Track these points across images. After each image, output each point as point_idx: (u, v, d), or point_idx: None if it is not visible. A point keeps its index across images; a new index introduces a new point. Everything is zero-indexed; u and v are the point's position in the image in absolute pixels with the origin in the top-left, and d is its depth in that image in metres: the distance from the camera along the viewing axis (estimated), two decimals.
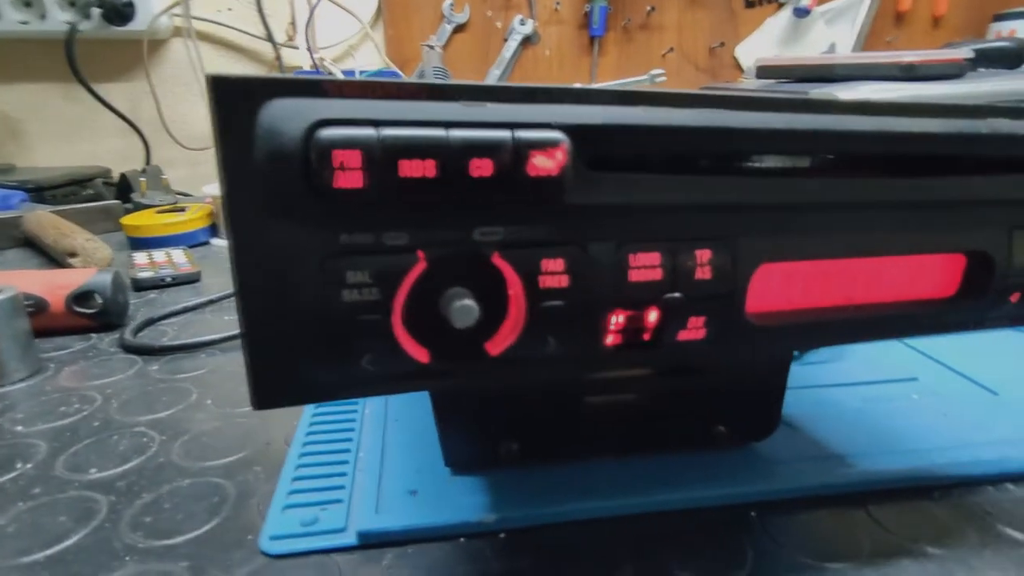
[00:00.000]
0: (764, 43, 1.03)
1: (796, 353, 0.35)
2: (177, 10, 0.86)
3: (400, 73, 0.88)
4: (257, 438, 0.27)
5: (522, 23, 0.95)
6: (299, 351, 0.13)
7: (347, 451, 0.25)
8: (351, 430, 0.26)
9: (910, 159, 0.17)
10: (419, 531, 0.20)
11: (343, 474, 0.23)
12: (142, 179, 0.73)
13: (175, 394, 0.31)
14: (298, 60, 0.91)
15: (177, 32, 0.90)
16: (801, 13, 0.98)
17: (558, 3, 0.96)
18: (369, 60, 0.95)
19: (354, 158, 0.12)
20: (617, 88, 0.14)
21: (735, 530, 0.21)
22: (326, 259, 0.13)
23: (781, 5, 1.01)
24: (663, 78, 0.96)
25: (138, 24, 0.86)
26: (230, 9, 0.92)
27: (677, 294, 0.15)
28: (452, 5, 0.93)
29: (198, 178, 0.87)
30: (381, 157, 0.12)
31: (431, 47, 0.86)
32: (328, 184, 0.12)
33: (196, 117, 0.91)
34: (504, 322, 0.14)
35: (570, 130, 0.13)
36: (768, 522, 0.22)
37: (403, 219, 0.13)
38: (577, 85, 0.14)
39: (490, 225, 0.14)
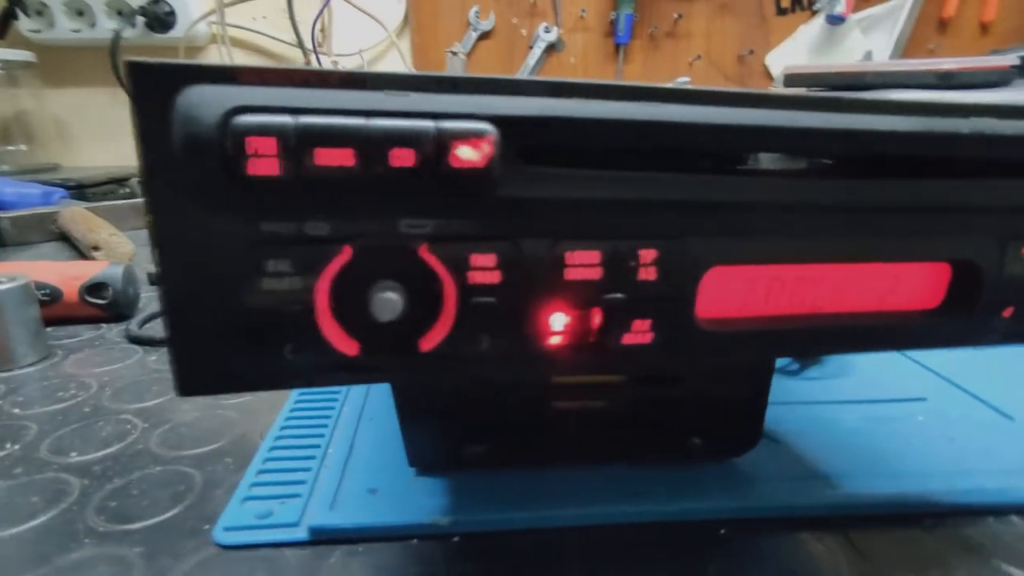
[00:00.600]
0: (796, 51, 1.00)
1: (795, 367, 0.34)
2: (215, 18, 0.90)
3: None
4: (234, 430, 0.27)
5: (547, 31, 0.95)
6: (221, 339, 0.13)
7: (316, 447, 0.25)
8: (324, 426, 0.26)
9: (881, 160, 0.16)
10: (371, 530, 0.20)
11: (307, 469, 0.23)
12: None
13: (166, 384, 0.32)
14: (327, 66, 0.93)
15: (214, 39, 0.93)
16: (835, 20, 0.95)
17: (584, 10, 0.95)
18: (395, 67, 0.96)
19: (269, 145, 0.12)
20: (551, 79, 0.13)
21: (699, 547, 0.20)
22: (245, 247, 0.13)
23: (815, 12, 0.98)
24: (689, 86, 0.95)
25: (178, 32, 0.90)
26: (264, 17, 0.95)
27: (618, 295, 0.15)
28: (478, 12, 0.94)
29: None
30: (296, 145, 0.12)
31: (454, 54, 0.87)
32: (243, 171, 0.12)
33: None
34: (435, 317, 0.14)
35: (499, 122, 0.13)
36: (737, 541, 0.21)
37: (326, 209, 0.13)
38: (509, 75, 0.13)
39: (417, 217, 0.13)
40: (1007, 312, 0.18)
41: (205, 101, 0.12)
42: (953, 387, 0.32)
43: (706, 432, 0.24)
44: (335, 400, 0.29)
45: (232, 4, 0.85)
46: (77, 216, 0.62)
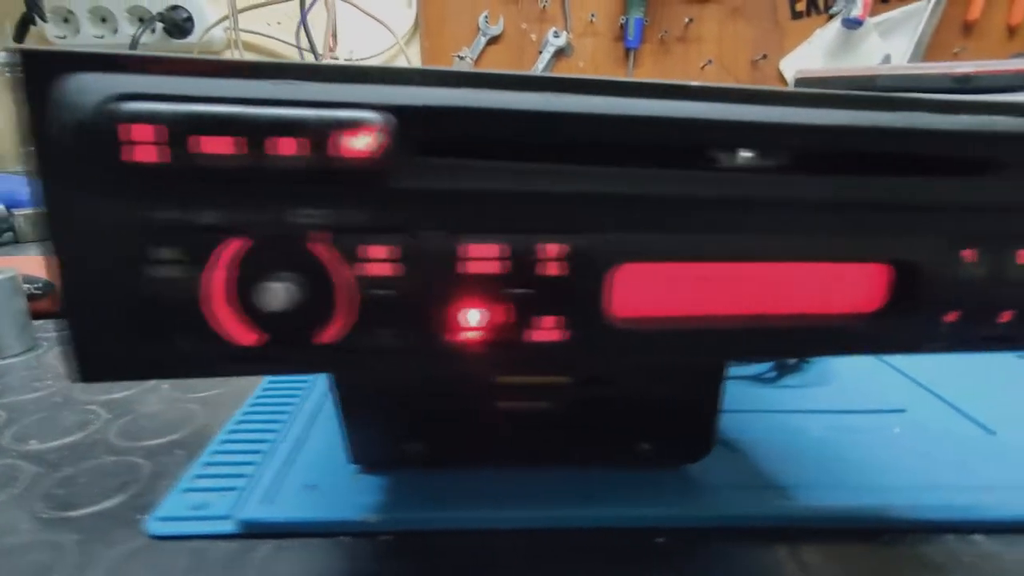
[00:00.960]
0: (811, 56, 0.98)
1: (772, 374, 0.33)
2: (229, 23, 0.92)
3: None
4: (194, 422, 0.27)
5: (556, 35, 0.95)
6: (115, 327, 0.13)
7: (267, 441, 0.25)
8: (280, 421, 0.26)
9: (806, 154, 0.15)
10: (301, 525, 0.20)
11: (251, 463, 0.23)
12: None
13: None
14: None
15: (230, 45, 0.95)
16: (852, 24, 0.93)
17: (593, 15, 0.95)
18: None
19: (148, 132, 0.12)
20: (446, 69, 0.13)
21: (634, 555, 0.20)
22: (133, 235, 0.13)
23: (831, 16, 0.96)
24: None
25: (195, 37, 0.92)
26: (279, 23, 0.97)
27: (522, 290, 0.14)
28: (487, 17, 0.95)
29: None
30: (175, 132, 0.12)
31: (462, 58, 0.87)
32: (123, 158, 0.12)
33: None
34: (331, 310, 0.14)
35: (392, 111, 0.13)
36: (675, 551, 0.20)
37: (214, 197, 0.13)
38: (404, 65, 0.13)
39: (308, 208, 0.13)
40: (950, 317, 0.17)
41: (88, 88, 0.12)
42: (936, 399, 0.30)
43: (655, 437, 0.23)
44: (297, 394, 0.29)
45: (244, 10, 0.87)
46: None
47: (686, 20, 0.96)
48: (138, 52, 0.12)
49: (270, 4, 0.88)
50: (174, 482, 0.22)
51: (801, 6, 0.97)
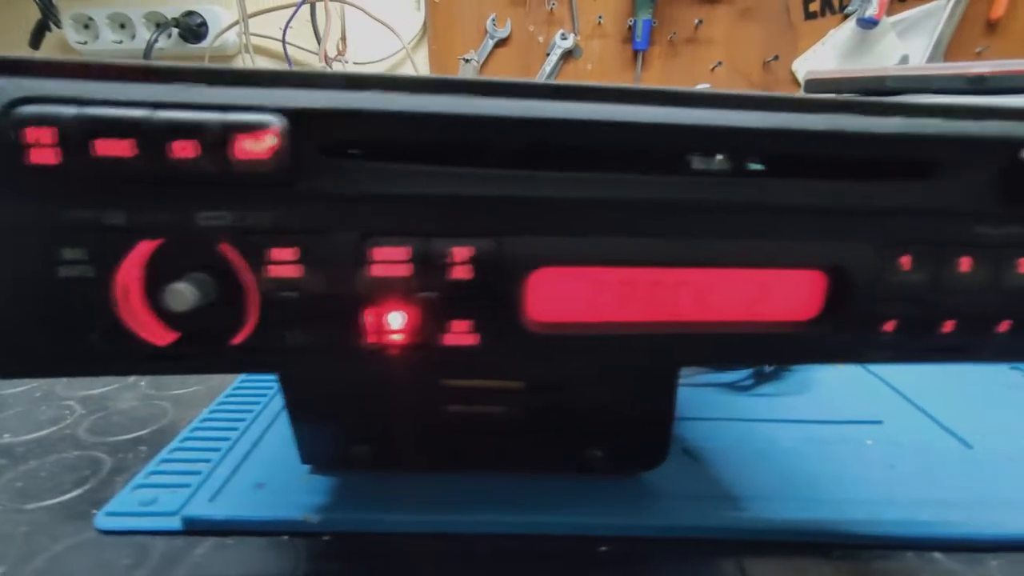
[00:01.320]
0: (826, 56, 0.96)
1: (749, 382, 0.32)
2: (242, 28, 0.94)
3: None
4: (163, 419, 0.28)
5: (563, 37, 0.95)
6: (29, 325, 0.14)
7: (226, 439, 0.25)
8: (243, 420, 0.27)
9: (730, 157, 0.15)
10: (242, 523, 0.20)
11: (207, 460, 0.24)
12: None
13: None
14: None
15: (241, 49, 0.97)
16: (867, 24, 0.90)
17: (601, 17, 0.95)
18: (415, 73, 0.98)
19: (47, 135, 0.12)
20: (349, 72, 0.13)
21: (574, 563, 0.19)
22: (42, 235, 0.13)
23: (846, 16, 0.94)
24: None
25: (208, 42, 0.94)
26: (291, 27, 0.99)
27: (430, 294, 0.14)
28: (495, 20, 0.95)
29: None
30: (74, 135, 0.12)
31: (467, 61, 0.87)
32: (24, 161, 0.12)
33: None
34: (242, 310, 0.14)
35: (290, 114, 0.13)
36: (616, 560, 0.20)
37: (120, 199, 0.13)
38: (309, 68, 0.13)
39: (213, 210, 0.13)
40: (888, 326, 0.16)
41: None
42: (916, 411, 0.29)
43: (607, 445, 0.23)
44: (264, 394, 0.29)
45: (254, 15, 0.89)
46: None
47: (696, 21, 0.94)
48: (41, 56, 0.13)
49: (280, 8, 0.89)
50: (130, 478, 0.23)
51: (815, 6, 0.95)
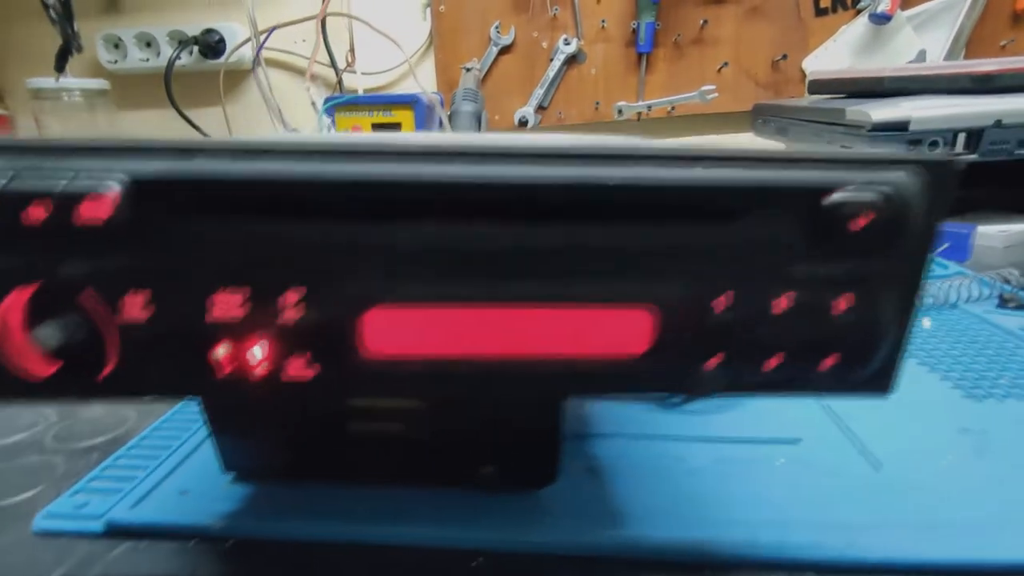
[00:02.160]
0: (838, 54, 0.93)
1: (679, 398, 0.33)
2: (255, 43, 0.98)
3: (442, 96, 0.92)
4: (124, 427, 0.31)
5: (567, 43, 0.95)
6: None
7: (170, 447, 0.28)
8: (189, 429, 0.29)
9: (537, 207, 0.16)
10: (156, 527, 0.23)
11: (145, 468, 0.26)
12: None
13: None
14: (355, 83, 0.99)
15: (255, 63, 1.01)
16: (880, 19, 0.88)
17: (604, 21, 0.95)
18: (424, 83, 1.00)
19: None
20: (184, 142, 0.15)
21: (448, 574, 0.21)
22: None
23: (859, 11, 0.91)
24: (714, 95, 0.92)
25: (225, 58, 0.99)
26: (304, 40, 1.03)
27: (266, 333, 0.16)
28: (498, 27, 0.96)
29: None
30: None
31: (468, 69, 0.89)
32: None
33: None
34: (103, 349, 0.16)
35: (128, 180, 0.15)
36: (487, 574, 0.21)
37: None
38: (146, 138, 0.15)
39: (73, 261, 0.15)
40: (711, 363, 0.17)
41: None
42: (839, 429, 0.29)
43: (499, 461, 0.24)
44: None
45: (264, 32, 0.93)
46: None
47: (701, 22, 0.93)
48: None
49: (290, 24, 0.93)
50: (75, 482, 0.26)
51: (826, 2, 0.93)
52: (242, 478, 0.25)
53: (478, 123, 0.82)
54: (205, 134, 1.01)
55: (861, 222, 0.15)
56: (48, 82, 0.87)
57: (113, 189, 0.15)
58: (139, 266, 0.16)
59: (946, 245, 0.56)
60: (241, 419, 0.24)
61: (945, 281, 0.46)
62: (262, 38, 0.94)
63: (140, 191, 0.15)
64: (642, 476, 0.26)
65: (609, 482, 0.26)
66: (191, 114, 1.01)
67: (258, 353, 0.16)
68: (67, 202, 0.14)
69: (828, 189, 0.15)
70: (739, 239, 0.16)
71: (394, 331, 0.17)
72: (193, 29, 0.99)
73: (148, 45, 1.01)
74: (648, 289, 0.17)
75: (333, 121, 0.74)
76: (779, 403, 0.32)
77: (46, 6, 0.66)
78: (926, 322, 0.42)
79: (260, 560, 0.22)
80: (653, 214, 0.16)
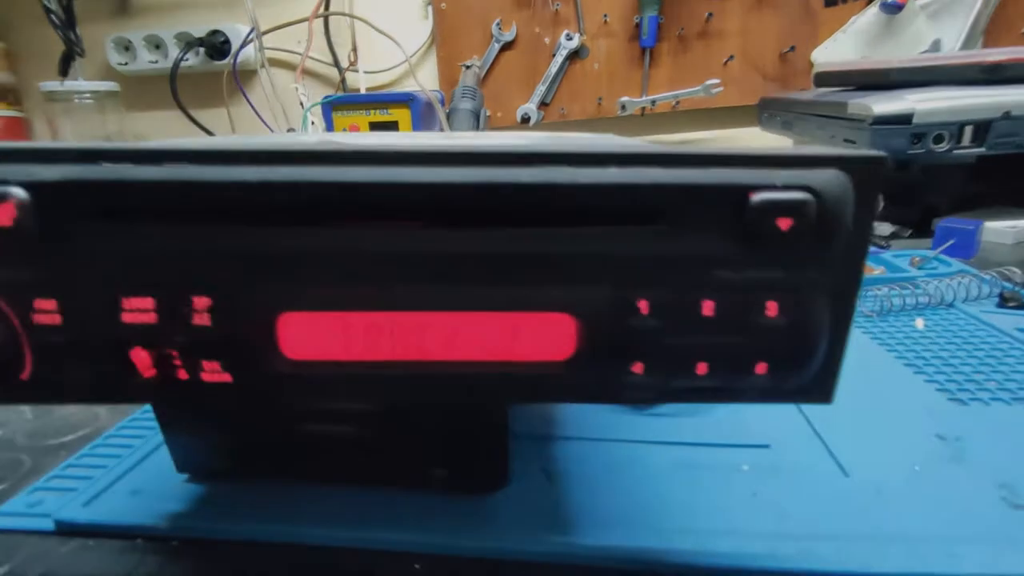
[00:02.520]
0: (848, 45, 0.91)
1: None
2: (267, 41, 0.99)
3: (441, 94, 0.92)
4: (94, 426, 0.31)
5: (569, 38, 0.94)
6: None
7: (128, 447, 0.28)
8: (152, 429, 0.29)
9: (449, 211, 0.15)
10: (104, 527, 0.23)
11: (103, 467, 0.26)
12: None
13: None
14: (358, 82, 1.00)
15: (268, 63, 1.02)
16: (891, 9, 0.85)
17: (606, 16, 0.93)
18: (426, 81, 1.00)
19: None
20: (83, 146, 0.15)
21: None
22: None
23: (870, 0, 0.89)
24: (719, 89, 0.90)
25: (229, 58, 1.00)
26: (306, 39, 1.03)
27: (178, 338, 0.16)
28: (500, 24, 0.96)
29: None
30: None
31: (467, 67, 0.89)
32: None
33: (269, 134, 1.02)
34: (21, 353, 0.16)
35: (30, 186, 0.15)
36: None
37: None
38: (46, 143, 0.15)
39: None
40: (636, 367, 0.16)
41: None
42: (811, 435, 0.28)
43: (449, 465, 0.24)
44: None
45: (267, 32, 0.93)
46: None
47: (706, 15, 0.92)
48: None
49: (292, 24, 0.93)
50: (37, 479, 0.26)
51: None
52: (195, 479, 0.25)
53: (476, 120, 0.82)
54: (211, 133, 1.02)
55: (784, 224, 0.15)
56: (59, 85, 0.89)
57: (13, 195, 0.15)
58: (48, 271, 0.16)
59: (951, 242, 0.54)
60: (189, 421, 0.24)
61: (944, 280, 0.44)
62: (263, 39, 0.95)
63: (42, 198, 0.15)
64: (601, 480, 0.25)
65: (565, 486, 0.25)
66: (198, 114, 1.02)
67: (172, 357, 0.16)
68: None
69: (750, 189, 0.15)
70: (662, 241, 0.15)
71: (309, 337, 0.17)
72: (200, 30, 1.00)
73: (157, 47, 1.03)
74: (568, 294, 0.16)
75: (331, 120, 0.75)
76: (752, 408, 0.31)
77: (48, 11, 0.67)
78: (919, 322, 0.40)
79: (205, 560, 0.22)
80: (567, 217, 0.15)
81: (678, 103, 0.94)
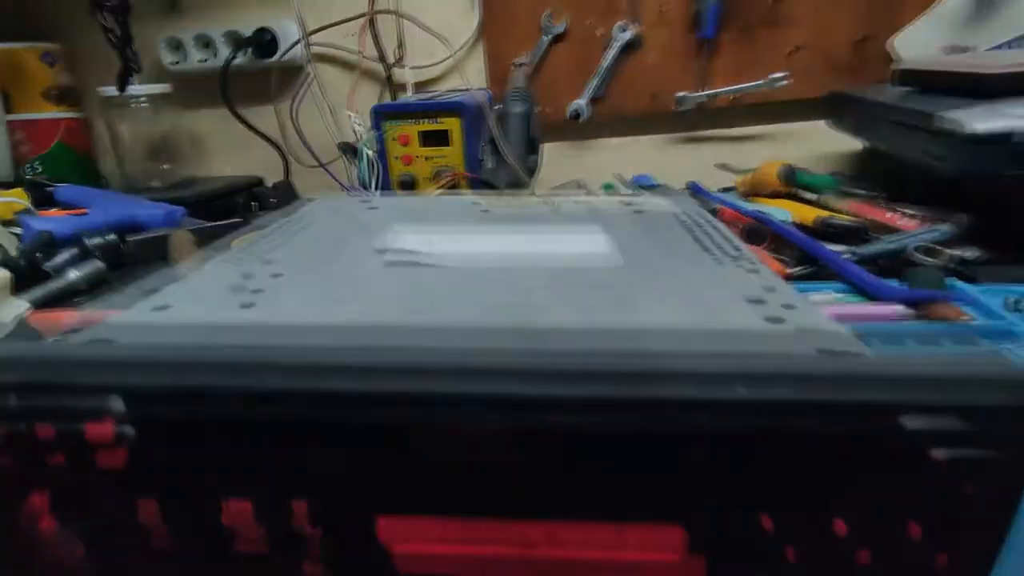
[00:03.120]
0: (933, 31, 0.83)
1: None
2: (314, 38, 0.98)
3: (490, 93, 0.89)
4: None
5: (622, 29, 0.90)
6: None
7: None
8: None
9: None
10: None
11: None
12: None
13: None
14: (404, 77, 0.98)
15: (310, 59, 1.01)
16: None
17: (663, 5, 0.88)
18: (473, 77, 0.97)
19: None
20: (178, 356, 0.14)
21: None
22: None
23: None
24: (784, 82, 0.85)
25: (277, 57, 1.00)
26: (353, 35, 1.01)
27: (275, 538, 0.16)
28: (550, 16, 0.91)
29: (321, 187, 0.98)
30: None
31: (518, 65, 0.86)
32: None
33: (318, 133, 1.00)
34: None
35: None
36: None
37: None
38: (140, 352, 0.15)
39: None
40: None
41: None
42: None
43: None
44: None
45: (314, 32, 0.92)
46: (174, 239, 0.73)
47: (771, 1, 0.85)
48: None
49: (337, 24, 0.92)
50: None
51: None
52: None
53: (528, 124, 0.79)
54: (260, 132, 1.03)
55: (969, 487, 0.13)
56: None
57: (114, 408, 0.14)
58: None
59: None
60: None
61: None
62: (310, 37, 0.94)
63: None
64: None
65: None
66: (247, 112, 1.03)
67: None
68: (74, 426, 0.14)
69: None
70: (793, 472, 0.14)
71: (413, 536, 0.16)
72: (248, 28, 0.99)
73: (206, 46, 1.03)
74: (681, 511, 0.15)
75: (381, 133, 0.74)
76: None
77: (106, 30, 0.68)
78: None
79: None
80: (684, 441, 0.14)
81: (737, 97, 0.89)
